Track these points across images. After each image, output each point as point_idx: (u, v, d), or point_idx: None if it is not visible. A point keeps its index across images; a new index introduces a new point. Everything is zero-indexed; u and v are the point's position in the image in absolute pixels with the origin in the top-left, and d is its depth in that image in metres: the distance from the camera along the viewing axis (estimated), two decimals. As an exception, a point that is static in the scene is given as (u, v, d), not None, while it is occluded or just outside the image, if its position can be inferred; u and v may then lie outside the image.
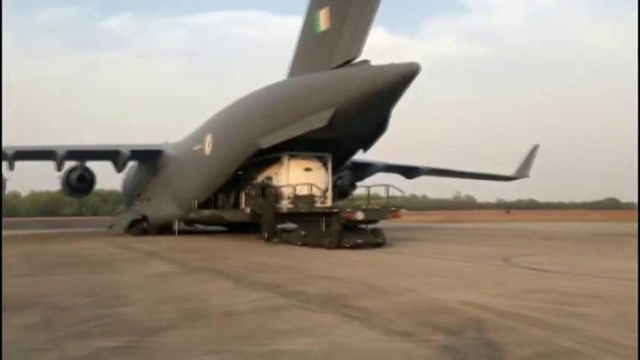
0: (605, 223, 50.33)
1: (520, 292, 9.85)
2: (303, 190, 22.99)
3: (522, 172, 47.15)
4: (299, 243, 22.52)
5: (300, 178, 23.65)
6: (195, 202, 29.74)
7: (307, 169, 24.41)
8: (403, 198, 23.33)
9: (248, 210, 24.56)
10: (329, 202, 24.58)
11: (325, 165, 25.12)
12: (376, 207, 22.23)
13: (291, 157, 24.47)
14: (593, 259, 16.40)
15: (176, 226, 32.44)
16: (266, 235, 23.15)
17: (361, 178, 36.11)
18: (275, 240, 23.30)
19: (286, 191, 23.75)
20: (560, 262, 15.76)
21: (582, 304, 8.69)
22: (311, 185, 22.41)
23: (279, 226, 25.41)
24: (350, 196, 29.51)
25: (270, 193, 23.70)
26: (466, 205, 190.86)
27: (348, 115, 21.48)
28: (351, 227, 21.59)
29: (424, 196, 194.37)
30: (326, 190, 24.75)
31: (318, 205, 22.88)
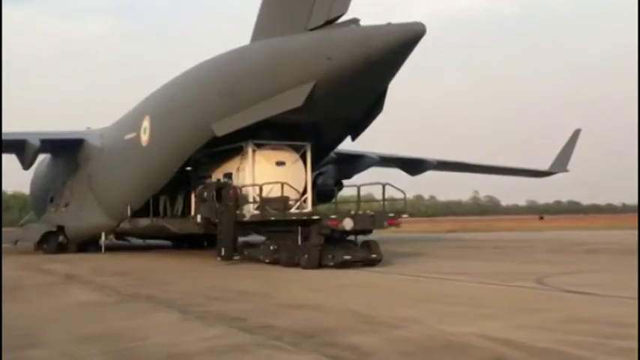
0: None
1: (557, 323, 9.99)
2: (273, 191, 22.96)
3: (560, 165, 47.78)
4: (267, 261, 22.53)
5: (270, 176, 23.68)
6: (129, 208, 29.71)
7: (279, 163, 24.46)
8: (405, 200, 23.26)
9: (199, 218, 24.58)
10: (308, 207, 24.66)
11: (303, 157, 25.20)
12: (370, 212, 22.29)
13: (258, 147, 24.48)
14: (650, 279, 16.67)
15: (103, 241, 32.32)
16: (223, 251, 23.14)
17: (349, 175, 36.24)
18: (236, 257, 23.33)
19: (251, 193, 23.75)
20: (607, 282, 16.05)
21: (635, 336, 8.81)
22: (282, 185, 22.36)
23: (242, 239, 25.33)
24: (335, 199, 29.54)
25: (228, 195, 23.69)
26: (487, 209, 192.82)
27: (331, 92, 21.52)
28: (336, 240, 21.66)
29: (432, 198, 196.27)
30: (304, 191, 24.84)
31: (293, 210, 22.87)
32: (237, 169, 24.98)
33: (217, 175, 26.01)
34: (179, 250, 32.97)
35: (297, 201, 23.89)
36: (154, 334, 9.54)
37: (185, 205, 28.36)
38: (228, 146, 25.15)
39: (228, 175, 25.40)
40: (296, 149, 25.14)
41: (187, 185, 28.01)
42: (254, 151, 24.44)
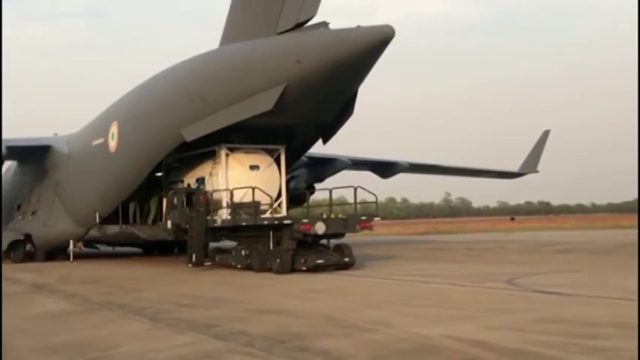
0: (636, 231, 51.87)
1: (528, 323, 10.07)
2: (247, 196, 22.80)
3: (530, 166, 48.26)
4: (239, 266, 22.51)
5: (243, 180, 23.51)
6: (98, 215, 29.44)
7: (253, 167, 24.35)
8: (377, 203, 23.31)
9: (169, 224, 24.44)
10: (283, 211, 24.66)
11: (277, 161, 25.17)
12: (342, 216, 22.38)
13: (231, 151, 24.40)
14: (620, 278, 16.90)
15: (71, 249, 31.93)
16: (194, 257, 22.98)
17: (321, 179, 36.28)
18: (207, 263, 23.27)
19: (225, 197, 23.67)
20: (578, 282, 16.24)
21: (606, 335, 8.94)
22: (253, 189, 22.28)
23: (213, 244, 25.21)
24: (307, 203, 29.56)
25: (198, 200, 23.55)
26: (459, 210, 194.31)
27: (301, 95, 21.56)
28: (308, 244, 21.70)
29: (405, 201, 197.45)
30: (279, 196, 24.83)
31: (265, 215, 22.80)
32: (210, 174, 24.81)
33: (189, 180, 25.85)
34: (149, 258, 32.72)
35: (271, 205, 23.76)
36: (124, 343, 9.45)
37: (157, 211, 28.06)
38: (201, 150, 25.01)
39: (201, 180, 25.23)
40: (269, 153, 25.05)
41: (159, 191, 27.82)
42: (227, 155, 24.30)
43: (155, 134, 25.51)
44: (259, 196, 22.49)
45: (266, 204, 23.27)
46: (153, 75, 27.74)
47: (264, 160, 24.67)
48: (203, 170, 25.40)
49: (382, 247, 35.71)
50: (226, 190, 23.48)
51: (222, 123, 22.79)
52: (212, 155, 24.83)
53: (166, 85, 26.03)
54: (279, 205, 24.69)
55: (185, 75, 25.02)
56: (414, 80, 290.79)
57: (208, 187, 24.48)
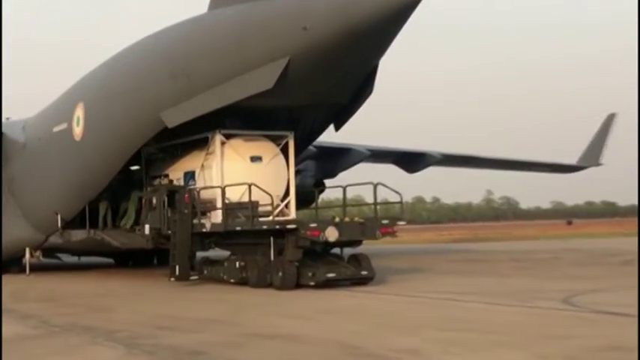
0: None
1: (589, 351, 10.08)
2: (244, 195, 22.73)
3: (591, 157, 47.93)
4: (233, 281, 22.53)
5: (244, 174, 23.36)
6: (60, 218, 29.45)
7: (255, 159, 24.15)
8: (402, 204, 23.37)
9: (147, 229, 24.49)
10: (292, 214, 24.64)
11: (284, 151, 25.06)
12: (358, 220, 22.28)
13: (228, 138, 24.22)
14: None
15: (27, 259, 31.93)
16: (178, 269, 22.98)
17: (333, 173, 36.30)
18: (193, 277, 23.33)
19: (214, 196, 23.69)
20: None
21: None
22: (250, 186, 22.25)
23: (201, 254, 25.26)
24: (315, 203, 29.54)
25: (183, 200, 23.58)
26: (504, 213, 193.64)
27: (308, 70, 21.54)
28: (317, 254, 21.73)
29: (436, 201, 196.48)
30: (286, 194, 24.81)
31: (264, 219, 22.71)
32: (202, 167, 24.69)
33: (176, 174, 25.82)
34: (123, 270, 32.85)
35: (271, 206, 23.47)
36: (92, 375, 9.50)
37: (136, 214, 27.85)
38: (190, 138, 25.02)
39: (190, 175, 25.23)
40: (275, 140, 24.93)
41: (137, 188, 27.93)
42: (223, 143, 24.14)
43: (130, 119, 25.51)
44: (258, 195, 22.35)
45: (266, 204, 23.10)
46: (127, 46, 27.68)
47: (268, 150, 24.53)
48: (193, 162, 25.34)
49: (408, 257, 35.66)
50: (221, 187, 23.38)
51: (212, 105, 22.77)
52: (204, 144, 24.72)
53: (143, 58, 26.06)
54: (287, 205, 24.69)
55: (166, 46, 25.01)
56: (445, 54, 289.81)
57: (199, 183, 24.50)
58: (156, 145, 26.29)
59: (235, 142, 24.25)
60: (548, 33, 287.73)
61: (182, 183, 25.06)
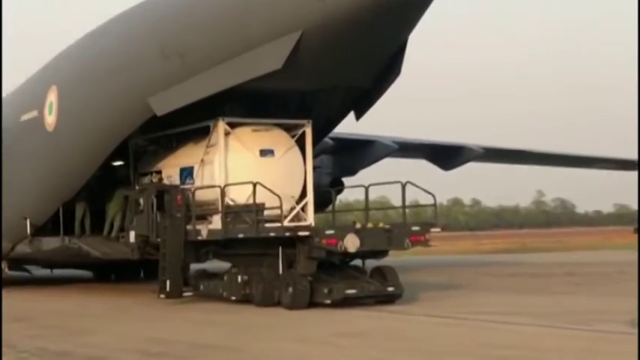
0: None
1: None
2: (243, 196, 22.79)
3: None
4: (234, 298, 22.48)
5: (252, 170, 23.32)
6: (29, 223, 29.55)
7: (266, 152, 24.04)
8: (436, 207, 23.26)
9: (132, 236, 24.59)
10: (309, 219, 24.42)
11: (300, 143, 24.97)
12: (384, 226, 22.35)
13: (233, 127, 24.05)
14: None
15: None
16: (169, 284, 23.06)
17: (353, 170, 36.53)
18: (187, 294, 23.50)
19: (216, 197, 23.47)
20: None
21: None
22: (254, 185, 22.06)
23: (196, 266, 25.37)
24: (332, 205, 29.13)
25: (175, 202, 23.60)
26: (557, 218, 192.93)
27: (324, 48, 21.49)
28: (335, 266, 21.76)
29: (476, 204, 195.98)
30: (303, 195, 24.62)
31: (277, 225, 22.38)
32: (202, 162, 24.52)
33: (170, 170, 25.82)
34: (104, 285, 33.10)
35: (290, 210, 23.65)
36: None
37: (122, 218, 27.94)
38: (187, 127, 25.01)
39: (188, 171, 25.17)
40: (288, 130, 24.87)
41: (122, 187, 28.02)
42: (227, 133, 23.96)
43: (112, 105, 25.59)
44: (267, 196, 22.30)
45: (274, 207, 22.81)
46: (107, 20, 27.79)
47: (281, 142, 24.43)
48: (191, 156, 25.23)
49: (443, 270, 35.79)
50: (223, 186, 23.29)
51: (209, 90, 22.81)
52: (204, 134, 24.58)
53: (128, 33, 26.16)
54: (303, 209, 24.48)
55: (155, 19, 25.09)
56: (484, 33, 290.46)
57: (198, 182, 24.42)
58: (146, 136, 26.42)
59: (242, 133, 24.08)
60: (606, 24, 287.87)
61: (177, 181, 25.05)
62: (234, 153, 23.91)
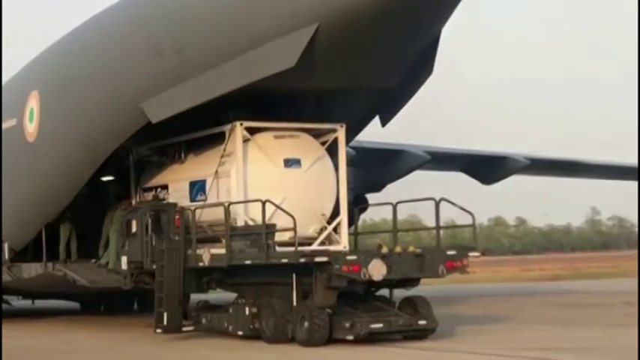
0: None
1: None
2: (279, 213, 22.31)
3: None
4: (241, 333, 22.48)
5: (276, 183, 23.28)
6: (7, 247, 29.82)
7: (292, 163, 23.81)
8: (475, 228, 23.24)
9: (124, 263, 24.69)
10: (342, 242, 24.28)
11: (333, 151, 24.87)
12: (414, 250, 22.19)
13: (253, 132, 23.81)
14: None
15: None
16: (166, 317, 23.12)
17: (378, 185, 36.60)
18: (187, 329, 23.59)
19: (241, 215, 23.30)
20: None
21: None
22: (264, 203, 21.83)
23: (198, 297, 25.52)
24: (354, 226, 29.05)
25: (173, 223, 23.87)
26: (614, 239, 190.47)
27: (344, 42, 21.46)
28: (357, 297, 21.80)
29: (521, 223, 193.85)
30: (334, 213, 24.49)
31: (284, 249, 22.40)
32: (216, 174, 24.25)
33: (178, 185, 25.79)
34: (93, 318, 33.14)
35: (319, 230, 23.67)
36: None
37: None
38: (198, 134, 25.02)
39: (200, 185, 24.99)
40: (317, 136, 24.77)
41: (112, 207, 28.19)
42: (246, 140, 23.78)
43: (100, 112, 25.69)
44: (284, 214, 22.06)
45: (287, 229, 22.66)
46: (94, 14, 27.95)
47: (309, 150, 24.33)
48: (203, 168, 25.10)
49: (483, 301, 35.70)
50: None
51: (210, 93, 22.84)
52: (219, 141, 24.44)
53: (117, 29, 26.26)
54: (336, 229, 24.34)
55: (148, 11, 25.17)
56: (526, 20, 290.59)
57: (212, 197, 24.18)
58: (149, 145, 26.47)
59: (263, 139, 23.98)
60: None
61: (187, 195, 24.99)
62: (255, 163, 23.68)
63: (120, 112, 24.93)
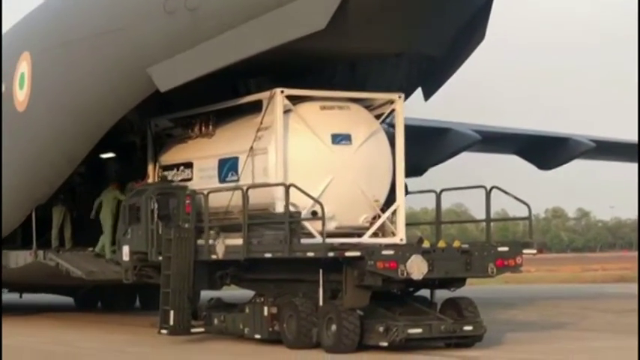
0: None
1: None
2: (327, 196, 22.32)
3: None
4: (259, 337, 22.59)
5: (322, 164, 23.19)
6: None
7: (340, 138, 23.57)
8: (531, 220, 23.37)
9: (126, 253, 24.80)
10: (401, 233, 24.10)
11: (391, 126, 24.91)
12: (460, 245, 22.16)
13: (294, 101, 23.54)
14: None
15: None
16: (173, 317, 23.22)
17: (420, 169, 36.60)
18: (197, 330, 23.76)
19: (280, 201, 22.67)
20: None
21: None
22: (288, 188, 21.76)
23: (208, 293, 25.68)
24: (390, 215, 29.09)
25: (183, 208, 24.04)
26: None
27: (381, 3, 21.47)
28: (393, 297, 21.94)
29: (584, 215, 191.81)
30: (390, 199, 24.33)
31: (309, 241, 22.30)
32: (251, 151, 24.02)
33: (205, 161, 25.72)
34: (89, 315, 33.34)
35: (373, 219, 23.60)
36: None
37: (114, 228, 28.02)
38: (229, 103, 24.90)
39: (231, 163, 24.74)
40: (370, 109, 24.60)
41: (112, 187, 28.25)
42: (287, 111, 23.50)
43: (100, 77, 25.80)
44: (299, 200, 22.12)
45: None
46: None
47: (361, 124, 24.24)
48: (235, 143, 24.90)
49: (538, 304, 35.80)
50: (282, 185, 22.56)
51: (228, 58, 22.89)
52: (254, 112, 24.28)
53: None
54: (391, 218, 24.21)
55: None
56: None
57: (245, 178, 23.85)
58: (171, 115, 26.40)
59: (307, 110, 23.84)
60: None
61: (216, 175, 24.83)
62: (297, 138, 23.45)
63: (123, 79, 25.01)
